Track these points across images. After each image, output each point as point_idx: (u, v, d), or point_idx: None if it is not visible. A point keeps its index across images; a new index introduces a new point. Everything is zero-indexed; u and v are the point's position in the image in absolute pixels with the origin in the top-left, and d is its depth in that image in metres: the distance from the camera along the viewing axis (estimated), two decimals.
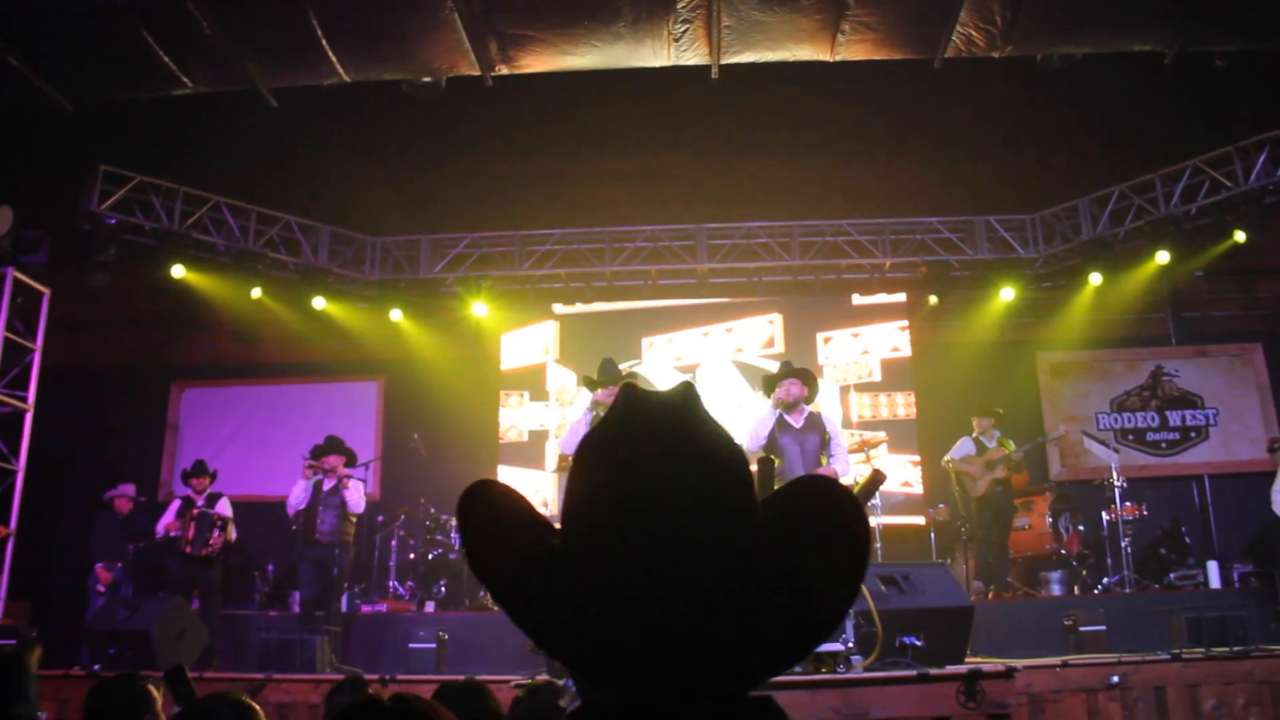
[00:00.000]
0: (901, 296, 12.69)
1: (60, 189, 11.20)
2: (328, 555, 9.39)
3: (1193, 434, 12.27)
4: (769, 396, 8.13)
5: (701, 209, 12.64)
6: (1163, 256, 11.41)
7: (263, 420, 12.64)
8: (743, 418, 12.23)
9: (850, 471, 8.31)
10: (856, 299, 12.72)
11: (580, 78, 10.57)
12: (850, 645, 5.72)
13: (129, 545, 10.21)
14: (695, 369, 12.52)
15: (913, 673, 5.86)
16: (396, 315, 12.25)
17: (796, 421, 7.93)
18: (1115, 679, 7.22)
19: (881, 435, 11.67)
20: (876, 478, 6.15)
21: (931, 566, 7.12)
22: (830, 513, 1.10)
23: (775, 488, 5.34)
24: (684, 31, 8.74)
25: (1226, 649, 7.70)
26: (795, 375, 8.07)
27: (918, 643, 6.23)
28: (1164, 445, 12.26)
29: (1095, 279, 11.78)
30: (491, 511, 1.13)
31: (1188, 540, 11.27)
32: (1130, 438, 12.24)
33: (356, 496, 9.59)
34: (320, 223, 12.14)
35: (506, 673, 7.47)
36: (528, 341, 12.80)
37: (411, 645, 8.40)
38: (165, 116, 11.41)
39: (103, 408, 12.53)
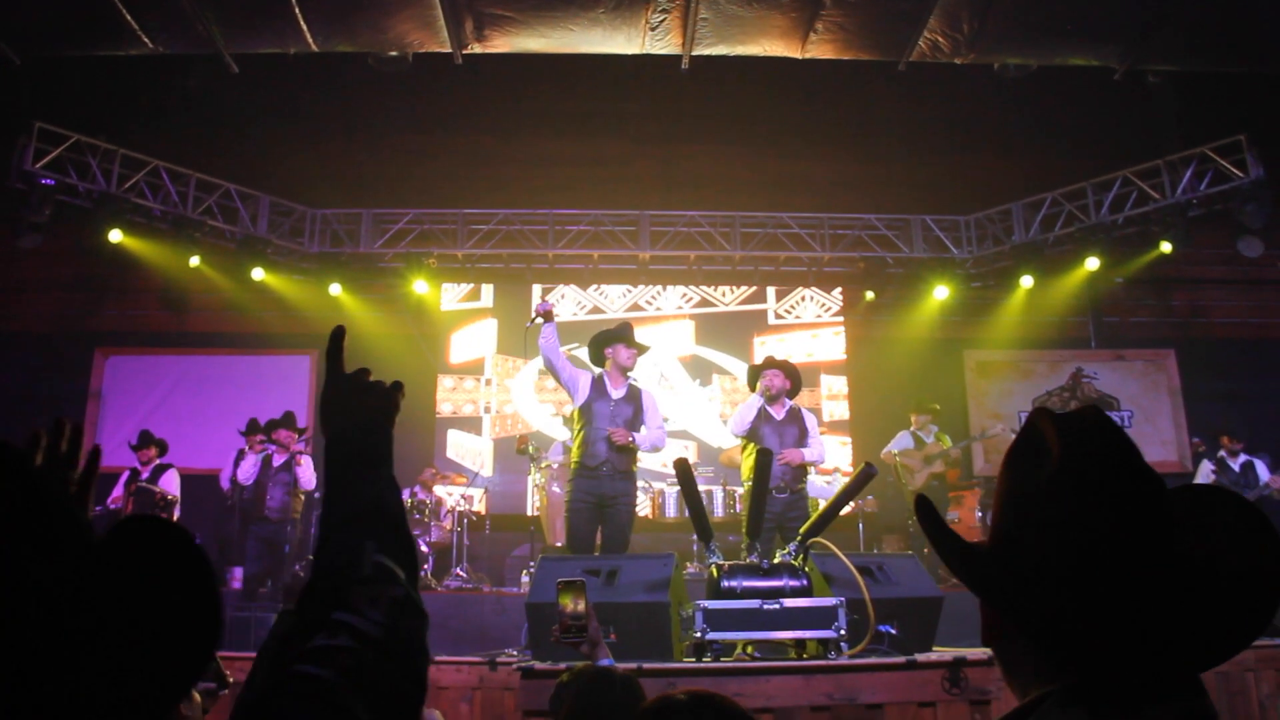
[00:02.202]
0: (831, 302, 13.00)
1: None
2: (276, 532, 9.25)
3: None
4: (752, 385, 8.19)
5: (643, 196, 12.71)
6: (1092, 263, 11.87)
7: (190, 391, 12.31)
8: (680, 403, 12.41)
9: (825, 457, 8.46)
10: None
11: (526, 60, 10.54)
12: (843, 633, 5.86)
13: None
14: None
15: (901, 660, 6.02)
16: (336, 290, 12.04)
17: (778, 413, 7.98)
18: None
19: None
20: (867, 472, 6.29)
21: (903, 557, 7.30)
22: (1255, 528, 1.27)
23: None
24: (661, 21, 8.79)
25: None
26: (779, 367, 8.10)
27: (893, 631, 6.39)
28: None
29: (1027, 281, 12.17)
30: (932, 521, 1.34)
31: None
32: None
33: (308, 473, 9.46)
34: (260, 192, 11.86)
35: (464, 653, 7.46)
36: (474, 339, 12.75)
37: None
38: (103, 75, 11.04)
39: (20, 373, 12.06)
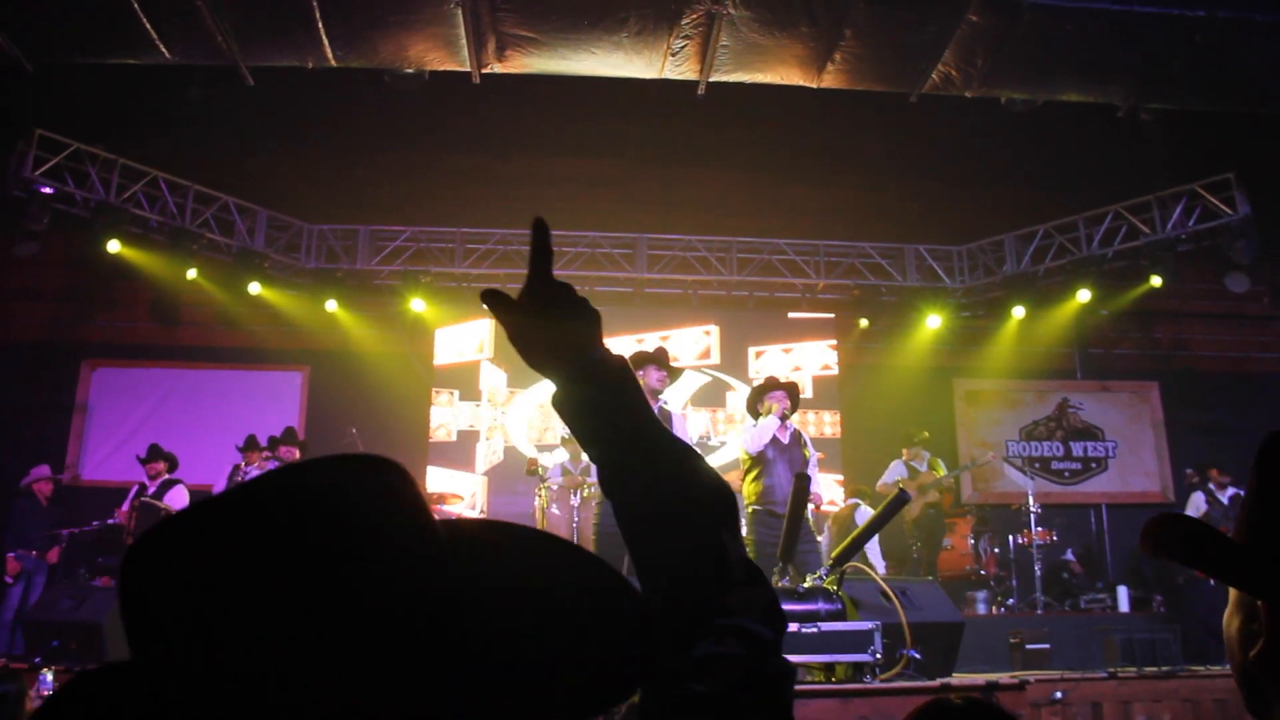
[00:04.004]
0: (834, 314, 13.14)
1: None
2: None
3: (1093, 465, 12.97)
4: (752, 406, 8.15)
5: (640, 219, 12.73)
6: (1083, 295, 12.07)
7: (179, 405, 12.13)
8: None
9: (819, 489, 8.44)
10: (792, 314, 13.05)
11: (527, 80, 10.55)
12: (878, 657, 5.91)
13: (62, 531, 9.60)
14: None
15: (935, 683, 6.09)
16: (332, 305, 11.95)
17: (783, 436, 7.91)
18: (1059, 695, 7.63)
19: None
20: (901, 498, 6.35)
21: (924, 583, 7.39)
22: None
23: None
24: (682, 47, 8.86)
25: (1155, 668, 8.22)
26: (783, 388, 8.05)
27: (917, 655, 6.45)
28: (1067, 474, 12.93)
29: (1019, 312, 12.34)
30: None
31: (1080, 566, 11.93)
32: (1037, 465, 12.85)
33: None
34: (258, 205, 11.77)
35: None
36: (462, 338, 12.62)
37: None
38: (105, 83, 10.91)
39: (6, 384, 11.83)
